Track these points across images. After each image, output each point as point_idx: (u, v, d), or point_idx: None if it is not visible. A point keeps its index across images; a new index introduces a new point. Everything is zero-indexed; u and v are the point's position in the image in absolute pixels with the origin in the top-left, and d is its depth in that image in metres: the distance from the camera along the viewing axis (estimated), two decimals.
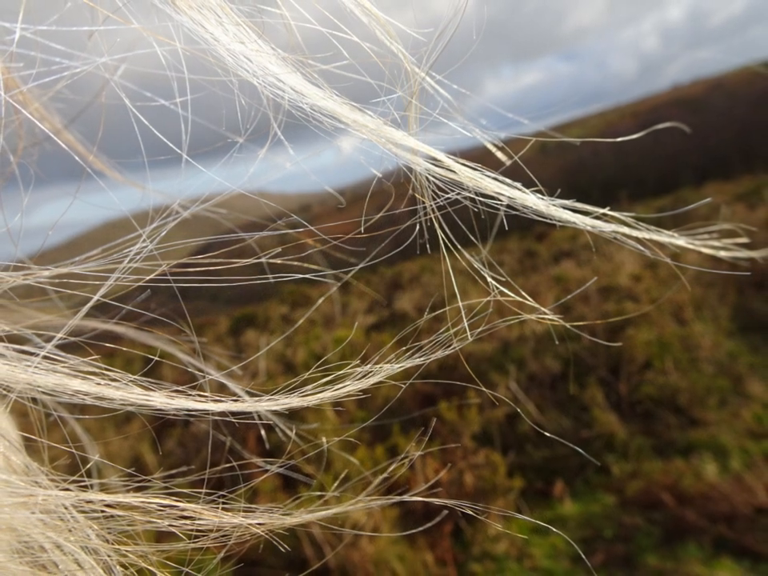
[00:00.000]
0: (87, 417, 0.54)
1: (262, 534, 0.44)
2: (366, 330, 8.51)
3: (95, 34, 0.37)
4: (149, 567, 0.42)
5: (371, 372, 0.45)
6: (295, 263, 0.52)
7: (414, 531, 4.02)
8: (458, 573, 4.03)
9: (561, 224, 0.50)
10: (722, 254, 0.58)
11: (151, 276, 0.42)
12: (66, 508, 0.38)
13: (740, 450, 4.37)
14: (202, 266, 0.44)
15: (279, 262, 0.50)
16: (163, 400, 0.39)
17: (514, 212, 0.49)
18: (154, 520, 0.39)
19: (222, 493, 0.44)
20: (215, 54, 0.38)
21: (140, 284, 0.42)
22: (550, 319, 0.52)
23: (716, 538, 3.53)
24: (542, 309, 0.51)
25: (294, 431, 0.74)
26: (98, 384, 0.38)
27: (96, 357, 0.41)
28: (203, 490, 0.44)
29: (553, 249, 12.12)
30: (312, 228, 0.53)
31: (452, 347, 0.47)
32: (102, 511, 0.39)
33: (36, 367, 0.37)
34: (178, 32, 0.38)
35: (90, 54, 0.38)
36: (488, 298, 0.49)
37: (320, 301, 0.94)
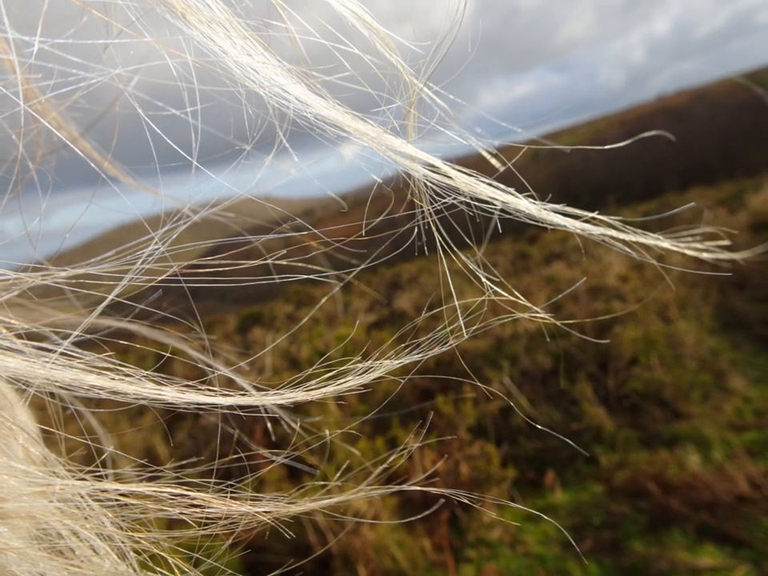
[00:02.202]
0: (102, 410, 0.53)
1: (268, 521, 0.44)
2: (366, 328, 8.51)
3: (110, 46, 0.37)
4: (161, 553, 0.42)
5: (372, 368, 0.45)
6: (300, 264, 0.52)
7: (412, 519, 4.02)
8: (455, 558, 4.03)
9: (552, 227, 0.50)
10: (705, 255, 0.58)
11: (163, 277, 0.42)
12: (82, 497, 0.38)
13: (722, 442, 4.37)
14: (211, 267, 0.44)
15: (284, 263, 0.50)
16: (174, 394, 0.39)
17: (508, 216, 0.49)
18: (166, 508, 0.39)
19: (230, 482, 0.44)
20: (224, 66, 0.38)
21: (152, 284, 0.42)
22: (541, 318, 0.52)
23: (699, 525, 3.53)
24: (534, 308, 0.51)
25: (299, 424, 0.74)
26: (113, 379, 0.38)
27: (110, 353, 0.41)
28: (212, 480, 0.44)
29: (544, 251, 12.11)
30: (316, 231, 0.53)
31: (448, 344, 0.47)
32: (116, 500, 0.39)
33: (54, 363, 0.37)
34: (189, 45, 0.38)
35: (104, 66, 0.38)
36: (483, 298, 0.49)
37: (323, 300, 0.94)
